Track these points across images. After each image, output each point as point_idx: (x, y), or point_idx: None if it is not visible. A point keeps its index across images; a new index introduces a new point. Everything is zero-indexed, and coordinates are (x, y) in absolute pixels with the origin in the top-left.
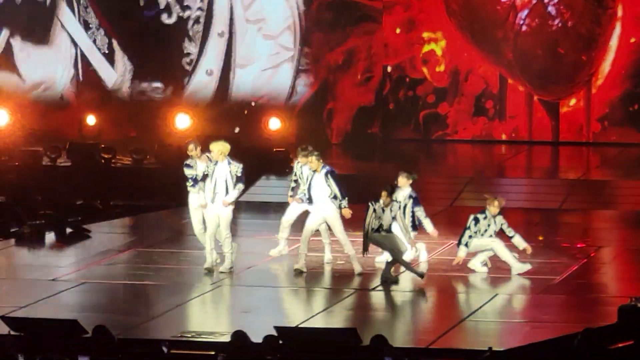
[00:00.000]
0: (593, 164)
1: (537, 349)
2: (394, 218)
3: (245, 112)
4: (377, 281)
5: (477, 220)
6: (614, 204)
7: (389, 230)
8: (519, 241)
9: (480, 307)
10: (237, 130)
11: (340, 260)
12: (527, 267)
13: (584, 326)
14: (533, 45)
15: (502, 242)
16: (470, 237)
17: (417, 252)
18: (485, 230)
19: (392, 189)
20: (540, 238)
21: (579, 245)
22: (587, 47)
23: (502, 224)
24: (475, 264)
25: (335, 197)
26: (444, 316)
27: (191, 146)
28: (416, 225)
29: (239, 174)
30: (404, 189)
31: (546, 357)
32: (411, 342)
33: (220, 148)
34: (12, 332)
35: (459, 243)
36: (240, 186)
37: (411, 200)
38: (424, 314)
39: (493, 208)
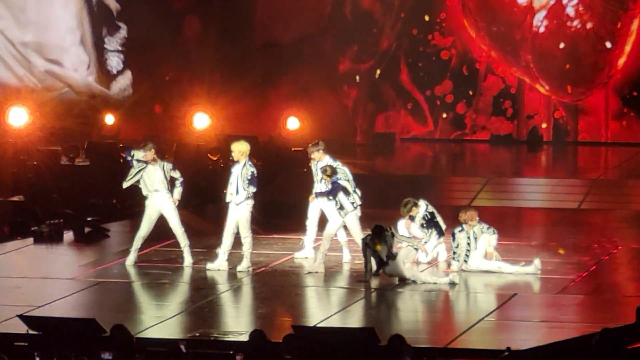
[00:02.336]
0: (611, 163)
1: (555, 349)
2: (391, 245)
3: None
4: (395, 281)
5: (453, 236)
6: (632, 204)
7: (390, 257)
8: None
9: (499, 306)
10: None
11: (358, 259)
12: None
13: (601, 326)
14: (551, 46)
15: (505, 263)
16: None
17: (435, 254)
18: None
19: (380, 230)
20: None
21: (597, 245)
22: (607, 49)
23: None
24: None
25: (341, 208)
26: (462, 316)
27: (150, 147)
28: (442, 232)
29: (249, 177)
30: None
31: (564, 357)
32: (429, 342)
33: (241, 148)
34: (29, 331)
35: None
36: (252, 189)
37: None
38: (442, 314)
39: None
